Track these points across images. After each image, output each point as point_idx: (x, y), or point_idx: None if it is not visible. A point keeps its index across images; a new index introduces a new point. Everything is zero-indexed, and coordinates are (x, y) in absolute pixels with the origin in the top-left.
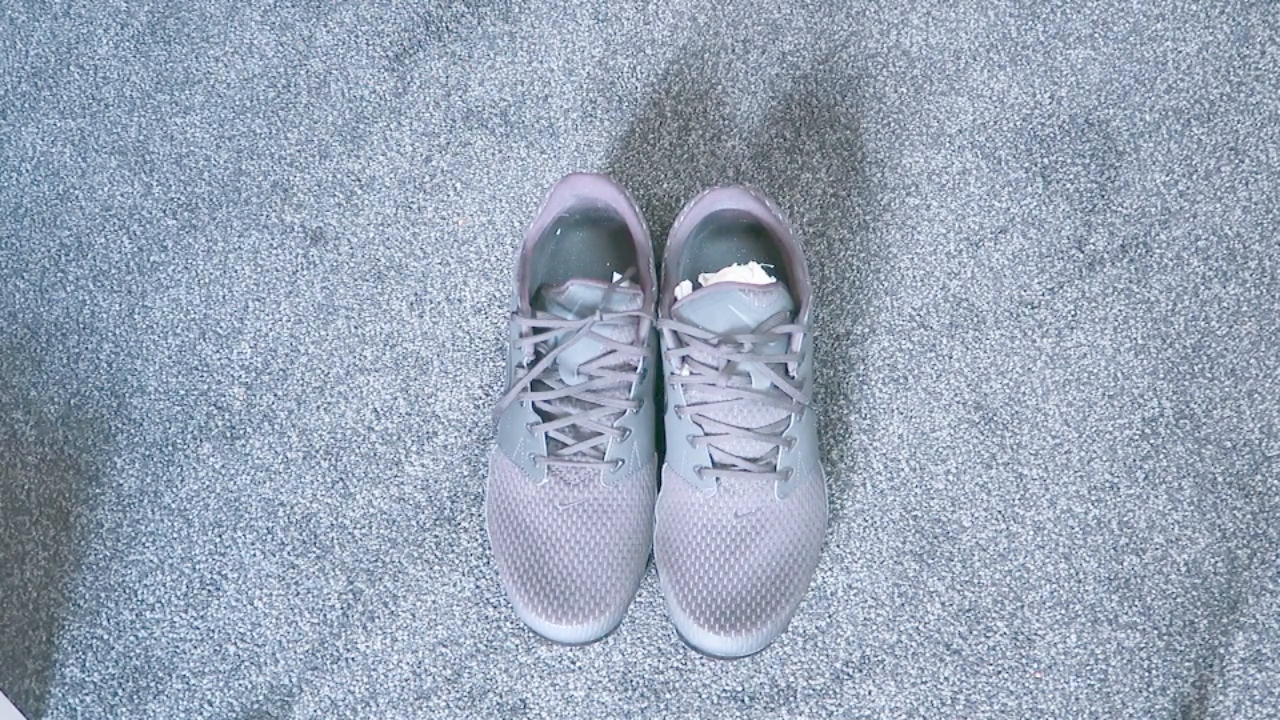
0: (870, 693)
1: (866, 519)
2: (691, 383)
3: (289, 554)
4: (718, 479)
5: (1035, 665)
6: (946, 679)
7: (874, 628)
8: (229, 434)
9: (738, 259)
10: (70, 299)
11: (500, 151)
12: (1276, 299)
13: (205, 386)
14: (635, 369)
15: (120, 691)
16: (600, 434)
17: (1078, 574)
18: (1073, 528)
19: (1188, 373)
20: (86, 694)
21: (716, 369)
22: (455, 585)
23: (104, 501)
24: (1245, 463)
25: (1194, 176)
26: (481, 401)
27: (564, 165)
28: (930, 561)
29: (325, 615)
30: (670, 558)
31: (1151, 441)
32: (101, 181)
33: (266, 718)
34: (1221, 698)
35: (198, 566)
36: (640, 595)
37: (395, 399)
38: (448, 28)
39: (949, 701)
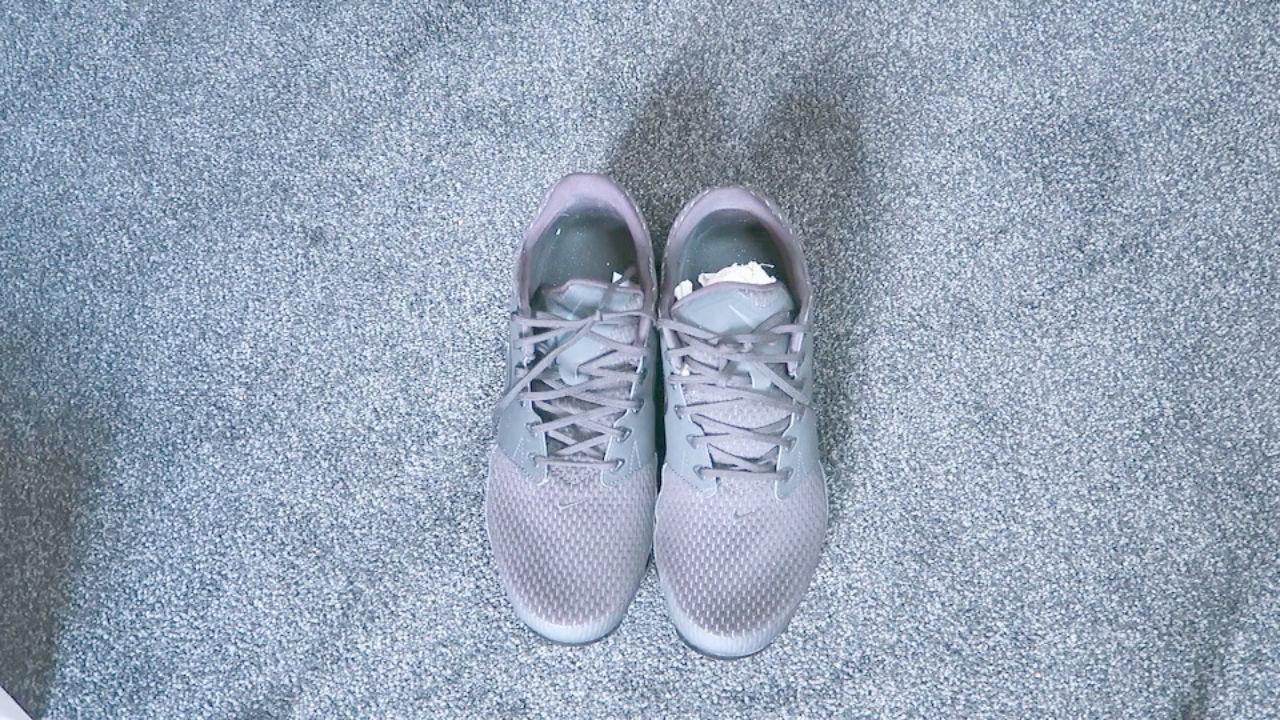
0: (870, 693)
1: (866, 519)
2: (691, 383)
3: (289, 554)
4: (718, 479)
5: (1035, 665)
6: (946, 679)
7: (874, 628)
8: (229, 434)
9: (738, 259)
10: (70, 299)
11: (500, 151)
12: (1276, 299)
13: (205, 386)
14: (635, 369)
15: (120, 691)
16: (600, 434)
17: (1078, 574)
18: (1073, 528)
19: (1188, 373)
20: (86, 694)
21: (716, 369)
22: (455, 585)
23: (104, 501)
24: (1245, 463)
25: (1194, 176)
26: (481, 401)
27: (564, 165)
28: (930, 561)
29: (325, 615)
30: (670, 558)
31: (1151, 441)
32: (101, 181)
33: (266, 718)
34: (1221, 698)
35: (198, 566)
36: (640, 595)
37: (395, 399)
38: (448, 28)
39: (949, 701)
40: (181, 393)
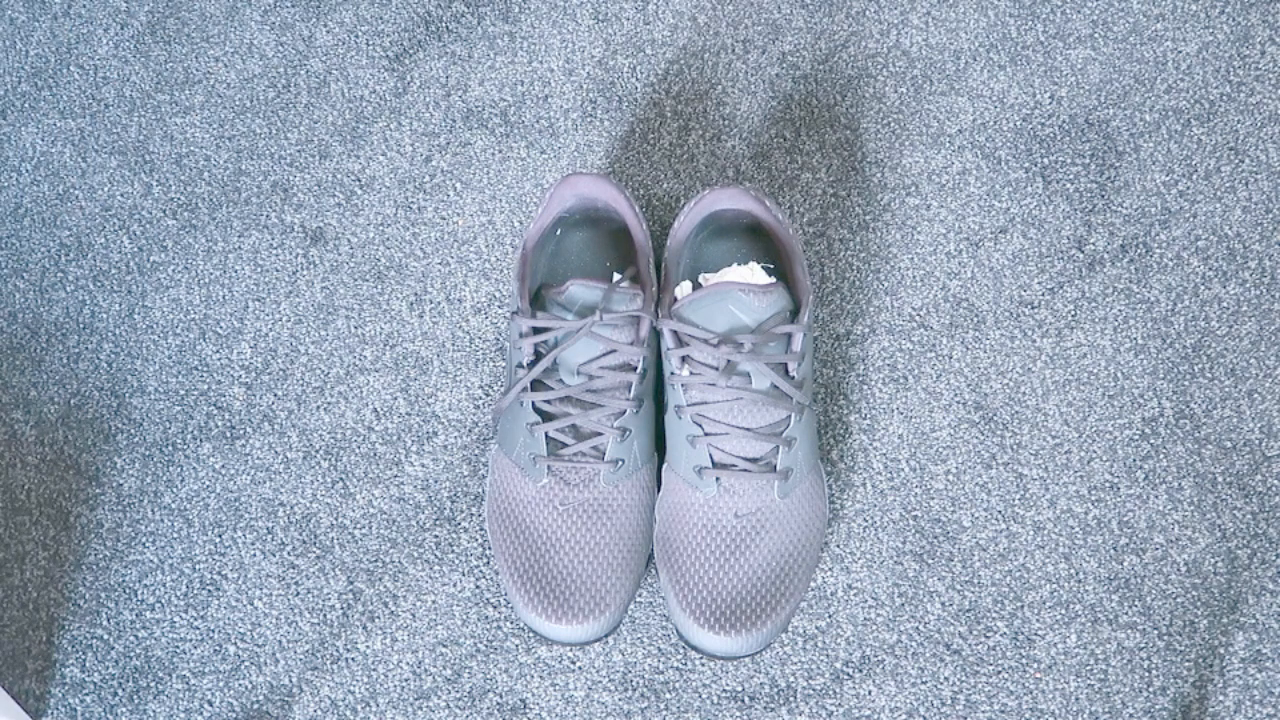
0: (870, 693)
1: (866, 519)
2: (691, 383)
3: (289, 554)
4: (718, 479)
5: (1035, 665)
6: (946, 679)
7: (874, 628)
8: (229, 434)
9: (738, 259)
10: (70, 299)
11: (500, 151)
12: (1276, 299)
13: (205, 386)
14: (635, 369)
15: (120, 691)
16: (600, 434)
17: (1078, 574)
18: (1073, 528)
19: (1188, 373)
20: (86, 694)
21: (716, 369)
22: (455, 585)
23: (104, 501)
24: (1245, 463)
25: (1194, 176)
26: (481, 401)
27: (564, 165)
28: (930, 561)
29: (325, 615)
30: (670, 558)
31: (1151, 441)
32: (101, 181)
33: (266, 718)
34: (1221, 698)
35: (198, 566)
36: (640, 595)
37: (395, 399)
38: (448, 28)
39: (949, 701)
40: (181, 393)
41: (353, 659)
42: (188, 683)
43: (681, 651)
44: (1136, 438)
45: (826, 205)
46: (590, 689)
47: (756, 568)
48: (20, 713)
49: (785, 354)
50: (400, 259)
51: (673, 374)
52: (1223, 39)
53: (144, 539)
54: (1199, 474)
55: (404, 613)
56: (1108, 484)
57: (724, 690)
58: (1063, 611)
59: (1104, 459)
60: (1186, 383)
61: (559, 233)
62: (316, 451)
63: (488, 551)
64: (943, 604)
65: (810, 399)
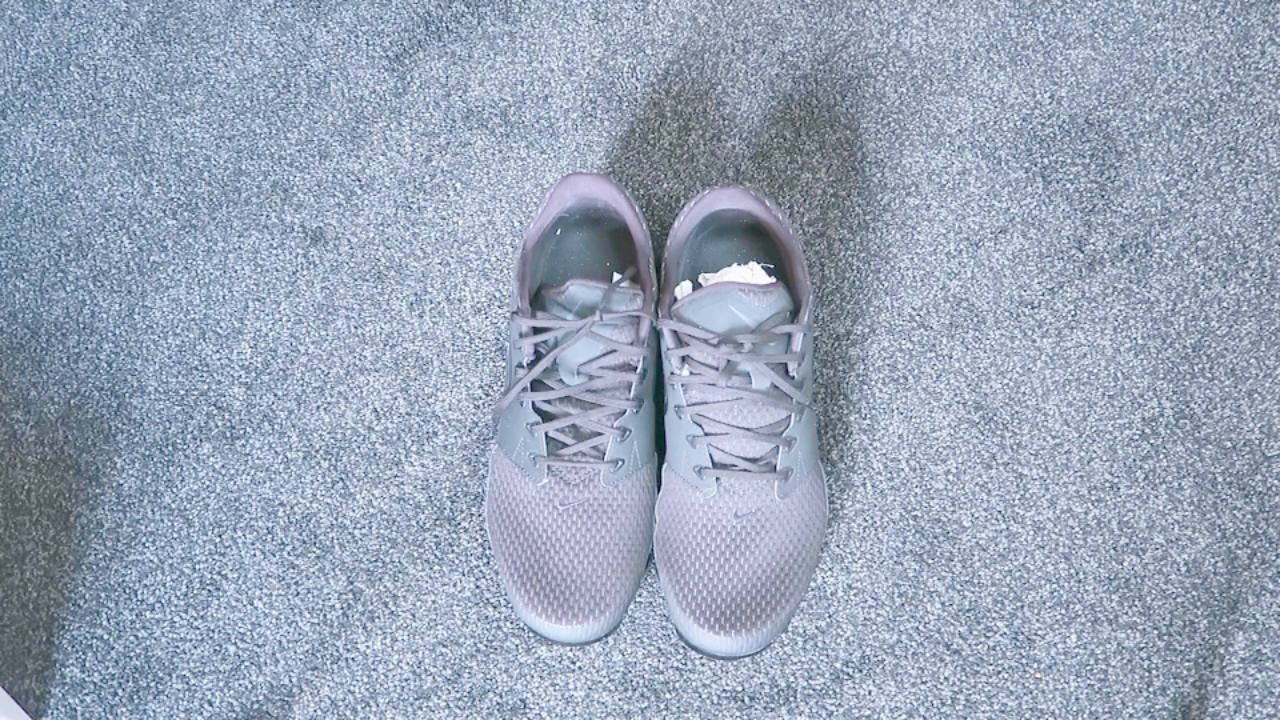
0: (870, 693)
1: (866, 519)
2: (691, 383)
3: (289, 554)
4: (718, 479)
5: (1035, 665)
6: (946, 679)
7: (874, 628)
8: (229, 434)
9: (738, 259)
10: (70, 299)
11: (500, 151)
12: (1276, 299)
13: (205, 386)
14: (635, 369)
15: (120, 691)
16: (600, 434)
17: (1078, 574)
18: (1073, 528)
19: (1188, 373)
20: (86, 694)
21: (716, 369)
22: (455, 585)
23: (104, 501)
24: (1245, 463)
25: (1194, 176)
26: (481, 401)
27: (564, 165)
28: (930, 561)
29: (325, 615)
30: (670, 558)
31: (1151, 441)
32: (101, 181)
33: (266, 718)
34: (1221, 698)
35: (198, 566)
36: (640, 595)
37: (395, 399)
38: (448, 28)
39: (949, 701)
40: (181, 393)
41: (353, 659)
42: (188, 683)
43: (681, 651)
44: (1136, 438)
45: (826, 205)
46: (590, 689)
47: (756, 568)
48: (20, 713)
49: (785, 354)
50: (400, 259)
51: (673, 374)
52: (1223, 39)
53: (144, 539)
54: (1199, 474)
55: (404, 613)
56: (1108, 484)
57: (724, 690)
58: (1063, 611)
59: (1104, 459)
60: (1186, 383)
61: (559, 233)
62: (316, 451)
63: (488, 551)
64: (943, 604)
65: (810, 399)
